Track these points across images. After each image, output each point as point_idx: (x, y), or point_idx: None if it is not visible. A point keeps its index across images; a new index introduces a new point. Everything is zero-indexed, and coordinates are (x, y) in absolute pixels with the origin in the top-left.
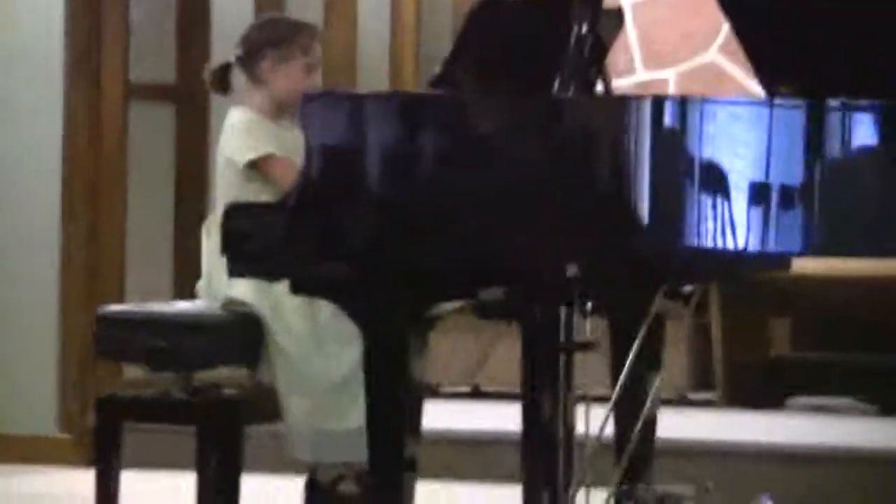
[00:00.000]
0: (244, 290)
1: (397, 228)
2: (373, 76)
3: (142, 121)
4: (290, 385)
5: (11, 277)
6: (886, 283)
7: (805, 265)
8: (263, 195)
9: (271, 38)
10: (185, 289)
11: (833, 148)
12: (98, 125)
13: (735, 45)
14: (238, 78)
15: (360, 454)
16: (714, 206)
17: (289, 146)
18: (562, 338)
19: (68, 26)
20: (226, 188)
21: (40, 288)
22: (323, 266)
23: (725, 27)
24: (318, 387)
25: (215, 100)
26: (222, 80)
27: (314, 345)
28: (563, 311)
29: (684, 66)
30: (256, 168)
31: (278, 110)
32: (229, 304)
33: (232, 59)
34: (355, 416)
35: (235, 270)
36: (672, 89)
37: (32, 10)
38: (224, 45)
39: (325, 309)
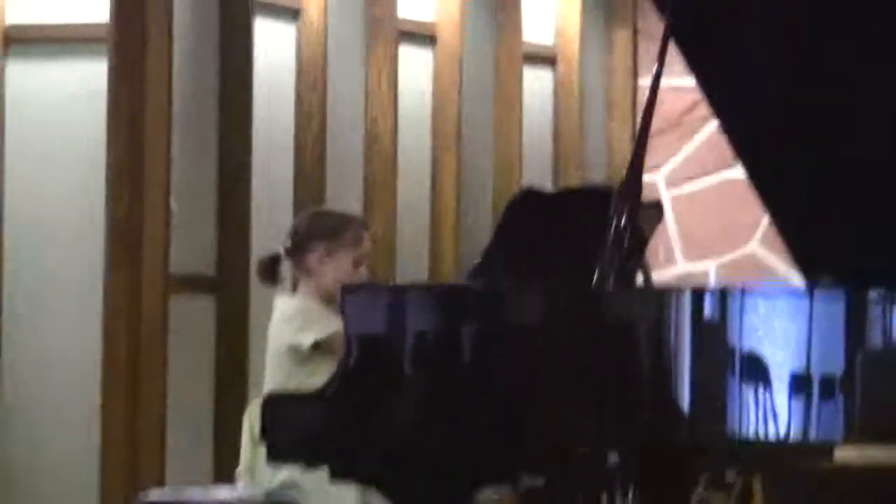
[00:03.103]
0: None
1: (436, 418)
2: (412, 267)
3: (182, 311)
4: None
5: (51, 464)
6: None
7: (848, 455)
8: (315, 377)
9: (321, 230)
10: (225, 474)
11: (874, 337)
12: (138, 315)
13: (775, 237)
14: (285, 267)
15: None
16: (755, 397)
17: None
18: None
19: (108, 213)
20: (277, 374)
21: (80, 474)
22: (362, 455)
23: (765, 219)
24: None
25: (255, 290)
26: (271, 271)
27: None
28: (604, 497)
29: (725, 257)
30: (320, 348)
31: (325, 302)
32: (280, 487)
33: (280, 250)
34: None
35: (274, 457)
36: (713, 280)
37: (72, 195)
38: (263, 236)
39: None
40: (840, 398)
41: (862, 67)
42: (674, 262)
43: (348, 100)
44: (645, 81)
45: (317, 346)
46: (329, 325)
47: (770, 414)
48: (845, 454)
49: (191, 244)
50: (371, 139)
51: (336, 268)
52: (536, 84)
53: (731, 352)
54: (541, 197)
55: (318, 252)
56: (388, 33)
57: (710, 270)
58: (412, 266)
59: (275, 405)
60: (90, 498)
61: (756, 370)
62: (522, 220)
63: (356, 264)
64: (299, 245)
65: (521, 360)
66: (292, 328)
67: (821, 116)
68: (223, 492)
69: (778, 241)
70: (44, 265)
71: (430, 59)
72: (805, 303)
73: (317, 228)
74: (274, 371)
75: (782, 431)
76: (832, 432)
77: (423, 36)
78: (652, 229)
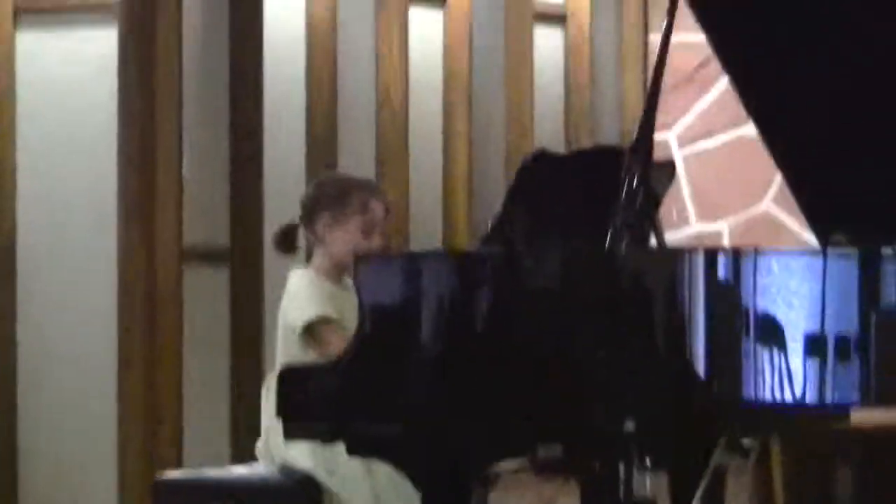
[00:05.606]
0: (299, 452)
1: (451, 387)
2: (425, 234)
3: (196, 283)
4: None
5: (69, 442)
6: None
7: (865, 417)
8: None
9: (326, 197)
10: (243, 450)
11: (889, 296)
12: (153, 288)
13: (789, 195)
14: (301, 236)
15: None
16: (770, 359)
17: (346, 307)
18: (621, 493)
19: (121, 185)
20: (286, 353)
21: (98, 453)
22: (377, 427)
23: (778, 177)
24: None
25: (269, 260)
26: (287, 240)
27: None
28: (621, 466)
29: (738, 217)
30: (308, 333)
31: (338, 270)
32: (286, 467)
33: (296, 220)
34: None
35: (291, 433)
36: (726, 241)
37: (86, 166)
38: (277, 205)
39: (383, 468)
40: (856, 359)
41: (880, 22)
42: (687, 221)
43: (358, 65)
44: (656, 37)
45: (308, 330)
46: (323, 305)
47: (785, 376)
48: (862, 416)
49: (204, 215)
50: (382, 104)
51: (344, 236)
52: (547, 43)
53: (746, 313)
54: (552, 159)
55: (324, 219)
56: None
57: (723, 230)
58: (426, 233)
59: (289, 379)
60: (109, 481)
61: (771, 331)
62: (534, 183)
63: (365, 231)
64: (308, 213)
65: (534, 324)
66: (292, 308)
67: (835, 71)
68: (241, 470)
69: (791, 200)
70: (56, 235)
71: (440, 21)
72: (819, 262)
73: (322, 196)
74: (282, 349)
75: (798, 393)
76: (848, 394)
77: None
78: (665, 189)
